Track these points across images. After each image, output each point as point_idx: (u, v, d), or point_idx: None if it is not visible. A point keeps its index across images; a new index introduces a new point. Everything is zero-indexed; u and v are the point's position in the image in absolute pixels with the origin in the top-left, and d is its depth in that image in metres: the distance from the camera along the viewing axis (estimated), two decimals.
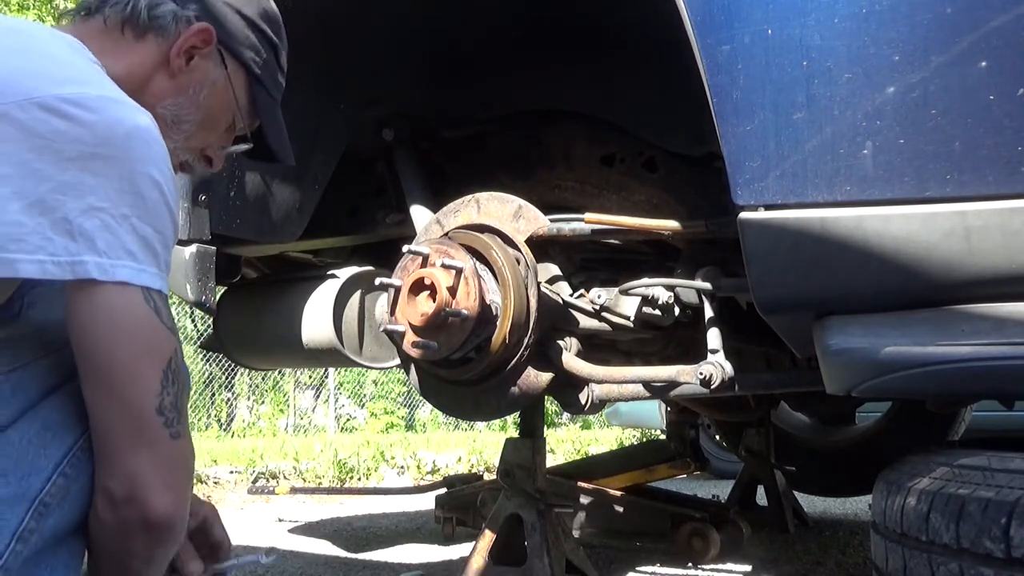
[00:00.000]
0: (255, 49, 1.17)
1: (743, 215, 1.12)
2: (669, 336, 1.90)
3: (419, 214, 1.81)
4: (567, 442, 8.03)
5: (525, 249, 1.53)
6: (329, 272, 1.91)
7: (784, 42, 1.10)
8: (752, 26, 1.12)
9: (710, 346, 1.45)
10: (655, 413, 5.32)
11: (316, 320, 1.88)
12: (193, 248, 1.63)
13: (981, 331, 1.02)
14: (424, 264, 1.48)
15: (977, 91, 1.00)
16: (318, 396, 13.59)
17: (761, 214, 1.11)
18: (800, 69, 1.09)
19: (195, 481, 4.11)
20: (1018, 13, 0.99)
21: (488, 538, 1.76)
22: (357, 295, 1.90)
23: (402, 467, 5.59)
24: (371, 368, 1.99)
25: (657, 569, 2.24)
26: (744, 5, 1.13)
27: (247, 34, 1.17)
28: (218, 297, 2.06)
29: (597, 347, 1.77)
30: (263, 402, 12.33)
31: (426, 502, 3.33)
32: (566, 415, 12.76)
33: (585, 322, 1.61)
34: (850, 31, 1.07)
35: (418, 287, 1.47)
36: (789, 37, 1.10)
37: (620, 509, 2.28)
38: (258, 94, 1.19)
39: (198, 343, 9.72)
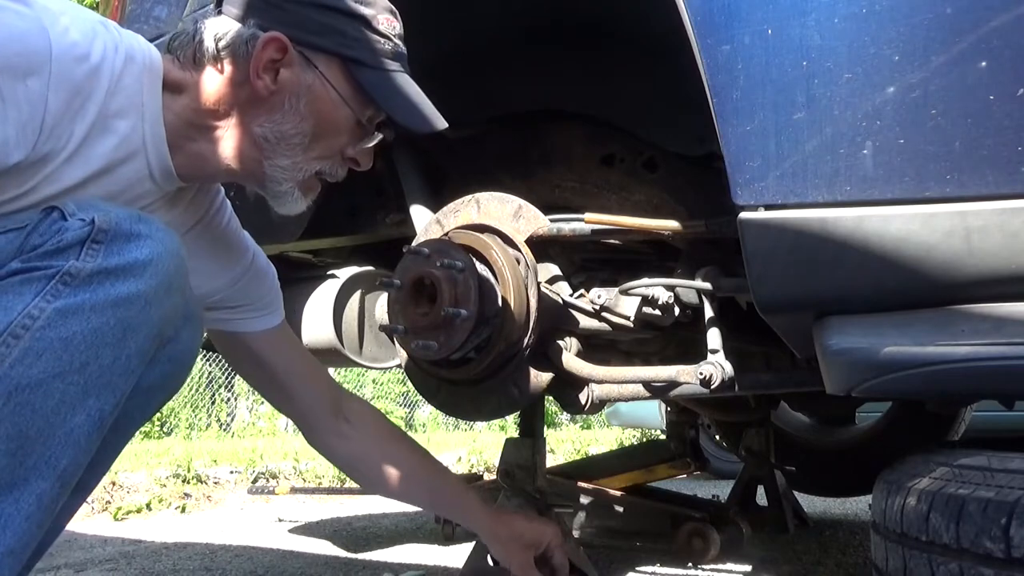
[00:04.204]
0: (336, 32, 1.12)
1: (743, 215, 1.12)
2: (669, 336, 1.90)
3: (419, 214, 1.81)
4: (567, 442, 8.03)
5: (525, 249, 1.53)
6: (329, 272, 1.91)
7: (784, 42, 1.10)
8: (752, 26, 1.12)
9: (710, 346, 1.45)
10: (655, 413, 5.32)
11: (316, 320, 1.88)
12: None
13: (981, 331, 1.02)
14: (424, 264, 1.48)
15: (977, 91, 1.00)
16: None
17: (761, 214, 1.11)
18: (800, 69, 1.09)
19: (196, 481, 4.15)
20: (1018, 13, 0.99)
21: None
22: (357, 295, 1.90)
23: None
24: (371, 368, 1.99)
25: (657, 569, 2.24)
26: (744, 5, 1.13)
27: (321, 20, 1.12)
28: None
29: (597, 347, 1.76)
30: (263, 402, 12.30)
31: None
32: (566, 415, 12.75)
33: (585, 322, 1.61)
34: (850, 31, 1.06)
35: (418, 287, 1.47)
36: (789, 37, 1.10)
37: (620, 509, 2.28)
38: (361, 75, 1.14)
39: None
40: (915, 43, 1.04)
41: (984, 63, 1.01)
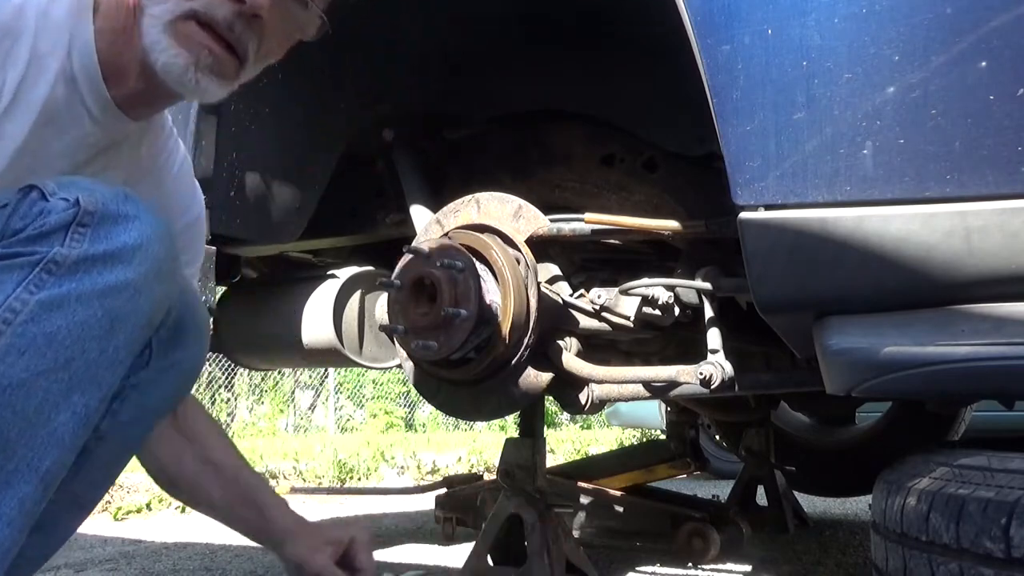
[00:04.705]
0: None
1: (743, 215, 1.12)
2: (669, 336, 1.90)
3: (419, 214, 1.81)
4: (567, 442, 8.04)
5: (525, 249, 1.53)
6: (329, 272, 1.91)
7: (784, 42, 1.10)
8: (752, 26, 1.12)
9: (710, 346, 1.45)
10: (655, 413, 5.32)
11: (316, 320, 1.88)
12: None
13: (981, 331, 1.02)
14: (424, 264, 1.48)
15: (977, 91, 1.00)
16: (318, 396, 13.59)
17: (761, 214, 1.11)
18: (800, 69, 1.09)
19: None
20: (1018, 13, 0.99)
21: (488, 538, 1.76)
22: (357, 295, 1.90)
23: (402, 467, 5.60)
24: (371, 368, 1.99)
25: (657, 569, 2.24)
26: (744, 5, 1.13)
27: None
28: (218, 297, 2.06)
29: (597, 347, 1.76)
30: (263, 402, 12.33)
31: (426, 502, 3.33)
32: (566, 415, 12.76)
33: (585, 322, 1.61)
34: (850, 31, 1.07)
35: (418, 287, 1.47)
36: (789, 37, 1.10)
37: (620, 509, 2.28)
38: None
39: None
40: (915, 43, 1.04)
41: (984, 63, 1.01)
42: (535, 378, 1.53)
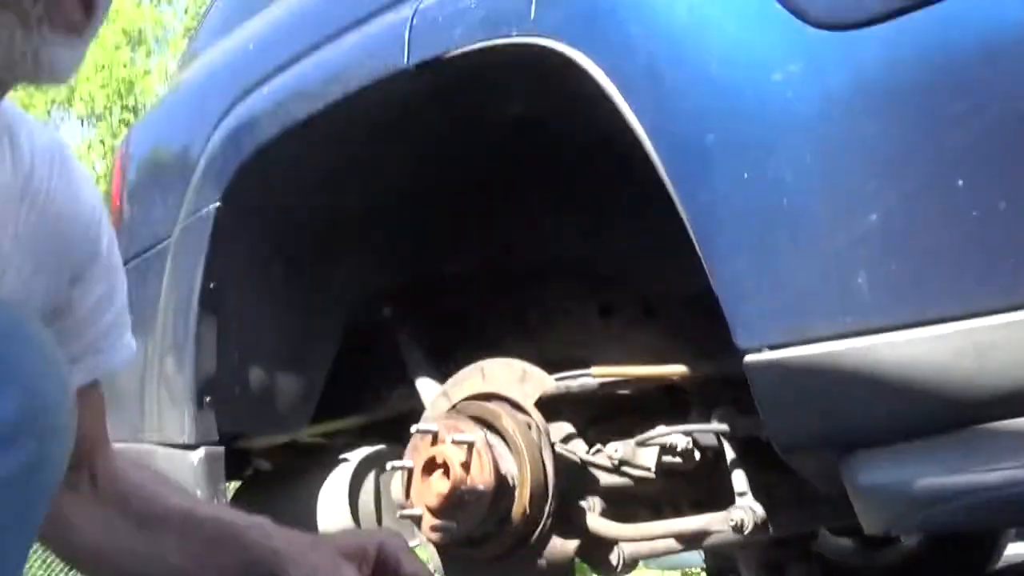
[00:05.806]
0: None
1: (748, 358, 1.10)
2: (694, 479, 1.84)
3: (425, 387, 1.79)
4: None
5: (535, 412, 1.50)
6: (341, 456, 1.89)
7: (761, 183, 1.11)
8: (727, 171, 1.14)
9: (737, 489, 1.40)
10: (694, 552, 5.15)
11: (332, 507, 1.84)
12: (201, 452, 1.61)
13: (1011, 451, 0.98)
14: (434, 442, 1.46)
15: (960, 211, 1.00)
16: None
17: (766, 355, 1.09)
18: (780, 207, 1.10)
19: None
20: (980, 132, 1.00)
21: None
22: (371, 477, 1.87)
23: None
24: None
25: None
26: (716, 152, 1.15)
27: None
28: (232, 493, 2.03)
29: (622, 501, 1.71)
30: None
31: None
32: None
33: (606, 479, 1.57)
34: (822, 166, 1.08)
35: (431, 466, 1.44)
36: (764, 178, 1.11)
37: None
38: None
39: None
40: (890, 168, 1.05)
41: (960, 181, 1.01)
42: (561, 546, 1.48)
